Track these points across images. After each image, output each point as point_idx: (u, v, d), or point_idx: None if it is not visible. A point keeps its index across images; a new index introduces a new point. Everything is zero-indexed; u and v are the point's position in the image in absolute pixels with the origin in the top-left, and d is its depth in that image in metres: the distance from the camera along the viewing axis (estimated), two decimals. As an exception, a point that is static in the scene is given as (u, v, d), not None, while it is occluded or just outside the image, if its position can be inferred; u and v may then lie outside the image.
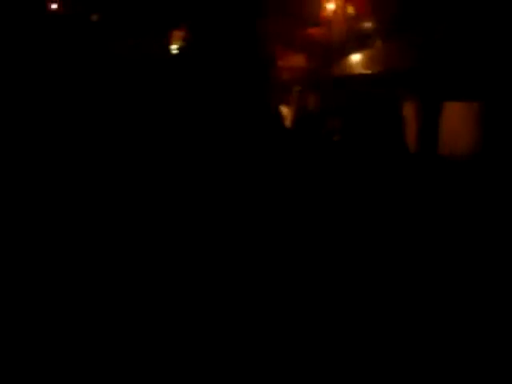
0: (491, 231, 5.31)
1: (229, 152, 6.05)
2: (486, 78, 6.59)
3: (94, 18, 6.69)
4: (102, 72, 6.21)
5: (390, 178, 6.11)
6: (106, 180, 5.43)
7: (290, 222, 5.14)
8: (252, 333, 3.54)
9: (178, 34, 6.64)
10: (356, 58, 7.07)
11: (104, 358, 3.27)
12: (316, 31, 6.90)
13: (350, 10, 6.77)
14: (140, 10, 6.50)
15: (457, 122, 6.58)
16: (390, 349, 3.39)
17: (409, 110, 6.81)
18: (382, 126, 6.51)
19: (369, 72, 6.98)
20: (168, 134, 6.07)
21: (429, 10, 6.66)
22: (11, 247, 4.33)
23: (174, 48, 6.61)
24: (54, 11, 6.59)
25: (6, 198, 4.94)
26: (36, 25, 6.30)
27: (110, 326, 3.55)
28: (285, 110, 6.72)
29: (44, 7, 6.59)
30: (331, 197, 5.60)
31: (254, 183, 5.77)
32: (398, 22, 6.74)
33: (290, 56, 6.99)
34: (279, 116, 6.61)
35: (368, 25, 6.86)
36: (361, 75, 7.04)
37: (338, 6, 6.96)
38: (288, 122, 6.67)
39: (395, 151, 6.36)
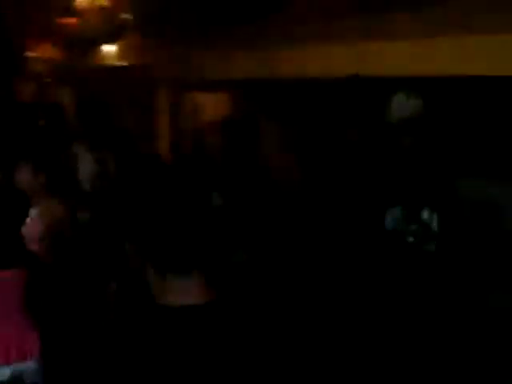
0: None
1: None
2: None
3: None
4: None
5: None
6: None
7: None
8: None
9: None
10: (110, 49, 7.11)
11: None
12: (69, 21, 6.78)
13: (104, 0, 6.68)
14: None
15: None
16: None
17: (161, 99, 7.12)
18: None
19: (122, 64, 7.09)
20: None
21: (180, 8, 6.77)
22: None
23: None
24: None
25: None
26: None
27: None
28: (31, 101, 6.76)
29: None
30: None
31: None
32: (153, 15, 6.81)
33: (43, 47, 6.87)
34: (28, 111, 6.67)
35: (123, 16, 6.85)
36: (113, 67, 7.13)
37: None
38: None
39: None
